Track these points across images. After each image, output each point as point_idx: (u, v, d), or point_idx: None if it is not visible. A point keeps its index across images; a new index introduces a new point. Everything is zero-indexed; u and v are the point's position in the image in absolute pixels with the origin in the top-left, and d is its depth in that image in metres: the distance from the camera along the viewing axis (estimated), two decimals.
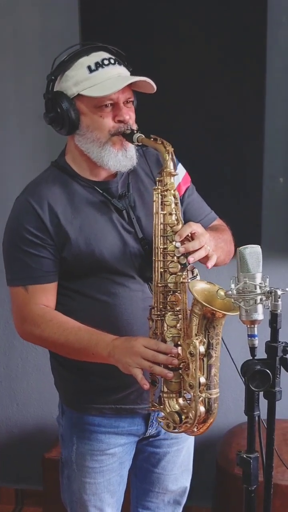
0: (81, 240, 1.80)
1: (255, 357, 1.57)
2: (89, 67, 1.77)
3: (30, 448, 3.20)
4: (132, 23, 2.71)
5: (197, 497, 2.30)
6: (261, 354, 1.59)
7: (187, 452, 2.09)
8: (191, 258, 1.67)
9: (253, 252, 1.58)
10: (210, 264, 1.72)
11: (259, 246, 1.61)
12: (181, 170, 1.88)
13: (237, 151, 2.73)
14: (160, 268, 1.72)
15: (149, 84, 1.80)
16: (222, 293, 1.62)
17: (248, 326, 1.58)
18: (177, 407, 1.70)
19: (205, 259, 1.71)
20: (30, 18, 2.88)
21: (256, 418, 1.56)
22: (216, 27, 2.68)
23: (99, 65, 1.77)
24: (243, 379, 1.56)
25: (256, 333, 1.58)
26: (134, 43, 2.49)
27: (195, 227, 1.70)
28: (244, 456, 1.57)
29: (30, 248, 1.80)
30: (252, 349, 1.58)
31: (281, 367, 1.55)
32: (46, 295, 1.84)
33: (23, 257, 1.80)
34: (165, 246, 1.72)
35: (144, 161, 1.90)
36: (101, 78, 1.76)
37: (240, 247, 1.60)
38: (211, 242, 1.75)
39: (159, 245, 1.72)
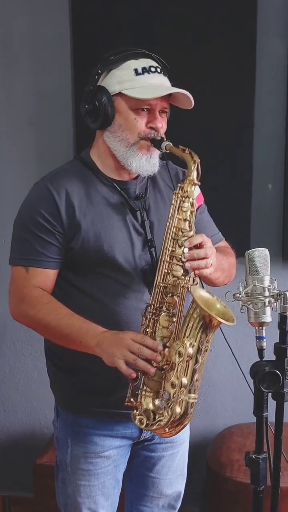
0: (92, 233, 1.82)
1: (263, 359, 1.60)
2: (135, 70, 1.80)
3: (18, 454, 3.17)
4: (122, 30, 2.72)
5: (186, 501, 2.30)
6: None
7: (182, 456, 2.10)
8: (188, 264, 1.69)
9: (261, 255, 1.62)
10: (204, 272, 1.73)
11: (267, 249, 1.64)
12: (196, 190, 1.91)
13: (227, 158, 2.76)
14: (165, 269, 1.74)
15: (188, 100, 1.83)
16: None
17: (257, 328, 1.61)
18: (151, 406, 1.70)
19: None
20: (20, 23, 2.86)
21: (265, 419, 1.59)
22: (206, 35, 2.70)
23: (145, 70, 1.81)
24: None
25: (264, 335, 1.61)
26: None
27: (206, 239, 1.73)
28: (253, 456, 1.59)
29: (39, 232, 1.82)
30: (261, 351, 1.61)
31: None
32: (45, 280, 1.85)
33: (30, 239, 1.83)
34: (174, 249, 1.74)
35: (166, 173, 1.94)
36: (145, 82, 1.80)
37: (249, 251, 1.63)
38: (215, 260, 1.77)
39: (169, 246, 1.75)
